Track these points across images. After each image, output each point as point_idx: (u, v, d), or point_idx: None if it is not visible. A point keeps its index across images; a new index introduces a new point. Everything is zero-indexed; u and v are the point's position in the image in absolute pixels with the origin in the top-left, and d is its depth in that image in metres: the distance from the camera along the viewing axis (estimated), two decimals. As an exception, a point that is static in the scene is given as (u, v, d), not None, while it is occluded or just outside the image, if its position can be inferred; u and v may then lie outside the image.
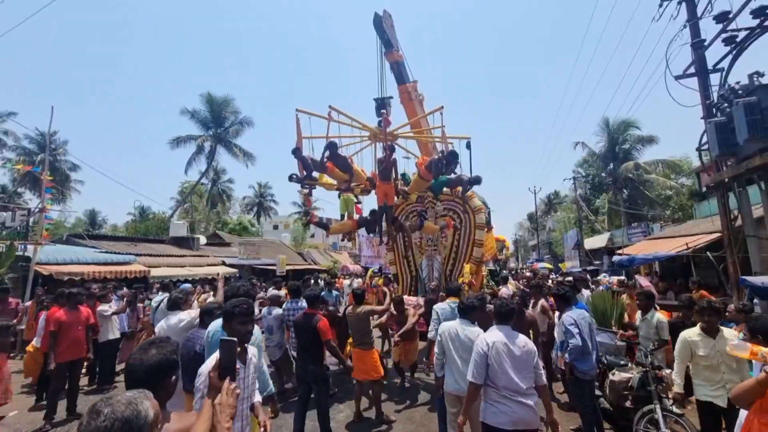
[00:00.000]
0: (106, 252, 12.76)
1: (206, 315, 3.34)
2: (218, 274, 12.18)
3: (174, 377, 1.57)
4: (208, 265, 16.49)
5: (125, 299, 6.80)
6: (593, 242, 24.65)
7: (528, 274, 13.41)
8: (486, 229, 8.08)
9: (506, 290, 8.23)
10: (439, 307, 4.53)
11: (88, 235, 15.23)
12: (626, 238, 19.58)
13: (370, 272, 9.20)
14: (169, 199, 35.05)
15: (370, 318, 4.98)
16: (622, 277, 11.46)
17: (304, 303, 5.11)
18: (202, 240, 20.17)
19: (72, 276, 10.14)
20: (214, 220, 34.23)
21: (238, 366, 1.61)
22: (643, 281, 10.03)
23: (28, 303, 7.66)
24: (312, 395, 4.27)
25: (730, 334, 3.37)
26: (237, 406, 1.57)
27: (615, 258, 13.00)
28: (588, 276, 13.04)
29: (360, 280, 15.35)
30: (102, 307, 6.38)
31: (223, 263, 17.56)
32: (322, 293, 7.99)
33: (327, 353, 4.20)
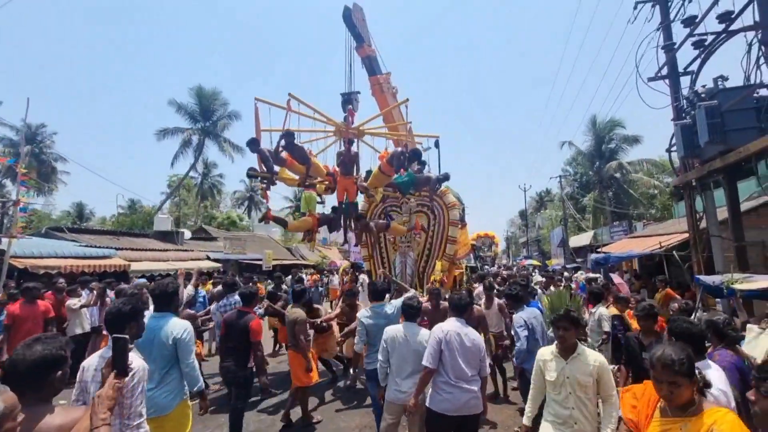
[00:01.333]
0: (86, 245, 12.70)
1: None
2: (194, 269, 11.98)
3: (60, 372, 1.61)
4: (192, 259, 16.45)
5: (95, 292, 6.82)
6: (578, 240, 24.99)
7: (505, 273, 13.55)
8: (460, 226, 8.10)
9: (481, 289, 8.34)
10: (361, 315, 4.19)
11: (68, 229, 15.13)
12: (609, 236, 19.89)
13: (342, 268, 9.16)
14: (160, 194, 34.89)
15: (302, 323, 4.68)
16: (597, 275, 11.65)
17: (237, 298, 5.05)
18: (187, 234, 20.11)
19: (48, 269, 10.09)
20: (202, 214, 34.09)
21: (130, 362, 1.67)
22: (616, 279, 10.24)
23: (-2, 296, 7.64)
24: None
25: (594, 359, 2.60)
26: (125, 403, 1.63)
27: (592, 256, 13.23)
28: (564, 274, 13.25)
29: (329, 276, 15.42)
30: (71, 301, 6.41)
31: (208, 258, 17.54)
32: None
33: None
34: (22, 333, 4.90)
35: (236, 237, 22.16)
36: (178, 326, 2.87)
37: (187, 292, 4.92)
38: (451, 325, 3.23)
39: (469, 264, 12.48)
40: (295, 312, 4.69)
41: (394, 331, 3.49)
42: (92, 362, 2.19)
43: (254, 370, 4.03)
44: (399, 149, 5.90)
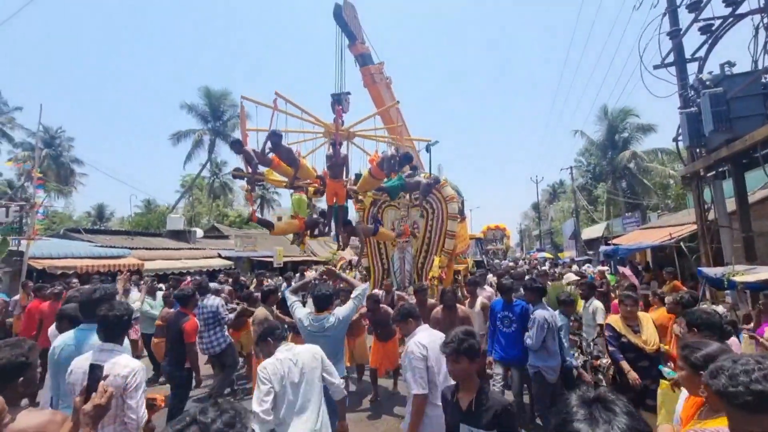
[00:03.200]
0: (101, 246, 13.14)
1: (65, 319, 2.97)
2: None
3: (23, 378, 1.68)
4: (204, 257, 16.86)
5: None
6: (591, 232, 24.55)
7: (510, 263, 13.41)
8: (459, 220, 7.99)
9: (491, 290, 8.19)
10: (301, 315, 3.31)
11: (85, 230, 15.66)
12: (622, 227, 19.51)
13: (339, 265, 9.06)
14: (174, 193, 35.74)
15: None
16: (605, 268, 11.48)
17: (212, 301, 5.06)
18: (199, 233, 20.55)
19: (65, 270, 10.50)
20: (214, 213, 34.74)
21: (126, 365, 1.73)
22: (626, 271, 10.07)
23: (17, 297, 8.00)
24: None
25: None
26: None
27: (602, 248, 13.03)
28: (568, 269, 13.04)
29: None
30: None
31: (219, 255, 17.91)
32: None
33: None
34: (46, 329, 5.19)
35: (247, 235, 22.49)
36: None
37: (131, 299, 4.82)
38: (426, 336, 2.78)
39: (474, 258, 12.36)
40: (256, 313, 4.40)
41: (279, 364, 2.44)
42: (80, 364, 2.21)
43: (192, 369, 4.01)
44: (389, 153, 5.78)
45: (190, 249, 17.49)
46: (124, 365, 2.16)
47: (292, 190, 6.62)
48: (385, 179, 5.94)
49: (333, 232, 6.78)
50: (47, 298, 5.87)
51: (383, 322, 4.88)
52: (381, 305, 5.02)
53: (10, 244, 10.08)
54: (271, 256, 19.39)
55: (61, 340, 2.53)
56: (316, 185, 6.21)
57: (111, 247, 13.30)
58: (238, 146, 5.44)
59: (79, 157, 31.69)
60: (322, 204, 7.28)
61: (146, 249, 14.84)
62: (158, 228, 23.64)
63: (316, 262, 25.92)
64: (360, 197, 6.45)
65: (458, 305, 4.30)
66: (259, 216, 6.37)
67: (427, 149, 6.56)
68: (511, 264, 13.32)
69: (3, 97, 29.23)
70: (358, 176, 6.58)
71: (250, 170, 5.45)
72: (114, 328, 2.28)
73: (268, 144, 5.32)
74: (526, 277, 7.37)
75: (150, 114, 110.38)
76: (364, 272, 8.37)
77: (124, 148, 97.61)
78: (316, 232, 6.68)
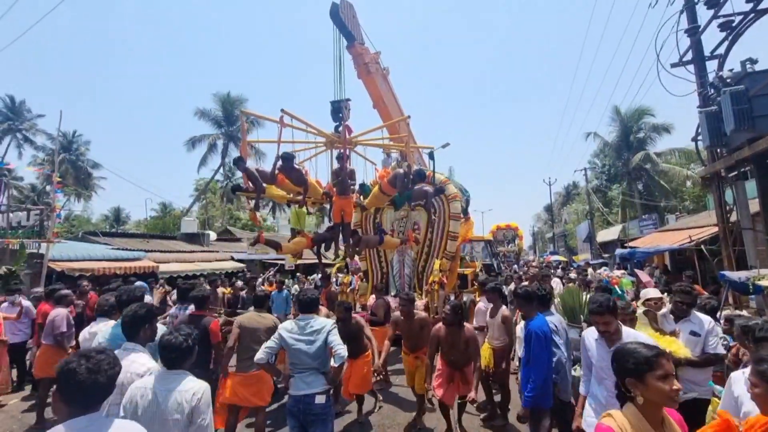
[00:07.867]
0: (118, 249, 13.39)
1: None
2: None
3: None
4: (217, 260, 17.05)
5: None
6: (606, 234, 24.11)
7: (526, 267, 13.05)
8: (463, 219, 7.50)
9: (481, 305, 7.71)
10: (283, 325, 3.05)
11: (102, 233, 15.99)
12: (638, 230, 19.11)
13: (336, 267, 8.65)
14: (188, 197, 36.38)
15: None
16: (622, 271, 11.21)
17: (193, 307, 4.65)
18: (213, 236, 20.81)
19: (83, 272, 10.71)
20: (227, 216, 35.21)
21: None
22: (643, 276, 9.83)
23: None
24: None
25: None
26: None
27: (618, 251, 12.74)
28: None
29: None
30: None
31: (232, 258, 18.10)
32: (272, 294, 7.60)
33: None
34: None
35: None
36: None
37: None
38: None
39: (483, 261, 11.95)
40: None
41: (142, 387, 2.05)
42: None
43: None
44: (402, 170, 5.47)
45: (204, 252, 17.71)
46: (142, 364, 2.26)
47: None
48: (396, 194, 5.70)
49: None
50: (58, 302, 5.95)
51: (353, 335, 4.12)
52: (353, 315, 4.35)
53: (31, 247, 10.35)
54: (283, 259, 19.53)
55: (101, 334, 2.91)
56: (321, 200, 5.94)
57: (127, 249, 13.54)
58: (241, 164, 5.20)
59: (97, 161, 32.44)
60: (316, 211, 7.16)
61: (161, 252, 15.07)
62: (173, 231, 24.06)
63: (327, 265, 26.06)
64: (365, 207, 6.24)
65: (465, 324, 3.77)
66: (267, 237, 6.15)
67: (431, 156, 6.28)
68: (536, 266, 12.57)
69: (27, 104, 30.28)
70: (362, 186, 6.29)
71: (252, 188, 5.17)
72: (128, 327, 2.42)
73: (279, 164, 5.12)
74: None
75: (166, 119, 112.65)
76: (362, 275, 7.98)
77: (141, 153, 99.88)
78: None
